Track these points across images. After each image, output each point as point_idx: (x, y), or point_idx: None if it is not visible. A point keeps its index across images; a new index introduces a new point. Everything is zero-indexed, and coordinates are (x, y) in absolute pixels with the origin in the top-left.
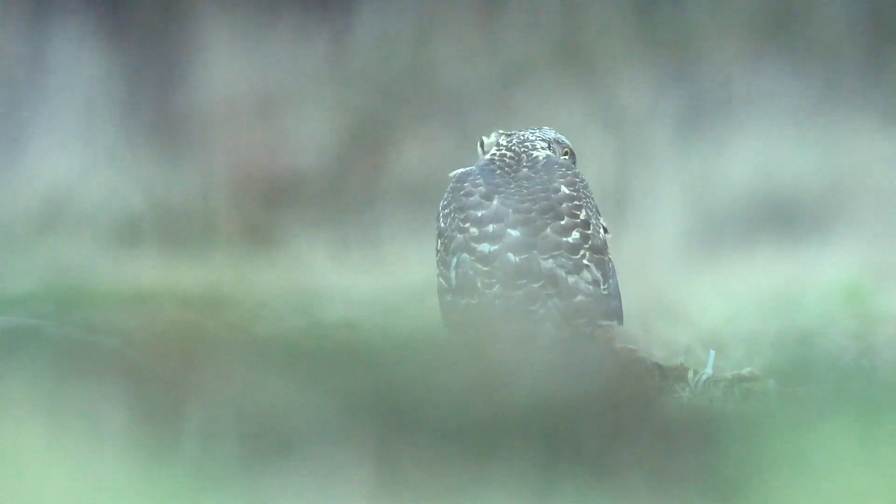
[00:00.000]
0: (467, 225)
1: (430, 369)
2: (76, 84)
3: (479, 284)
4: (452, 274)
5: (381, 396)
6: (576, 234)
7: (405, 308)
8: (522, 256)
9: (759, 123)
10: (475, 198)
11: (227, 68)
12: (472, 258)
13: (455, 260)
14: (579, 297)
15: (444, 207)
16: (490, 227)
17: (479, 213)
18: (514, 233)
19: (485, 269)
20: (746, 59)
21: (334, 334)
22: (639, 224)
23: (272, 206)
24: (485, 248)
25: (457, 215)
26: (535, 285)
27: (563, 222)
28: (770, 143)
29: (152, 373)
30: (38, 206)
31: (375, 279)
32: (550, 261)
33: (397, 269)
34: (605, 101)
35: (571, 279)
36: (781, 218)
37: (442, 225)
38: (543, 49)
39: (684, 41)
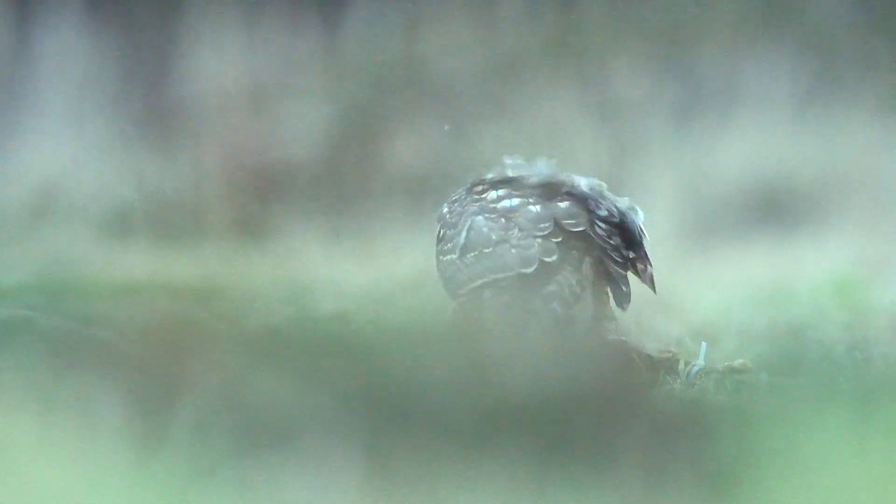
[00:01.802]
0: (485, 195)
1: (422, 361)
2: (67, 75)
3: (493, 237)
4: (462, 236)
5: (373, 388)
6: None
7: (397, 300)
8: (544, 204)
9: (754, 115)
10: (492, 178)
11: (219, 59)
12: (488, 215)
13: (469, 222)
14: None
15: (452, 195)
16: (508, 190)
17: (498, 183)
18: (536, 188)
19: (501, 220)
20: (741, 51)
21: (326, 326)
22: None
23: (264, 197)
24: (505, 203)
25: (472, 194)
26: (555, 240)
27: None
28: (764, 134)
29: (144, 364)
30: (29, 198)
31: (367, 271)
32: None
33: (389, 261)
34: (599, 93)
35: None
36: (775, 210)
37: (446, 211)
38: (537, 41)
39: (678, 32)
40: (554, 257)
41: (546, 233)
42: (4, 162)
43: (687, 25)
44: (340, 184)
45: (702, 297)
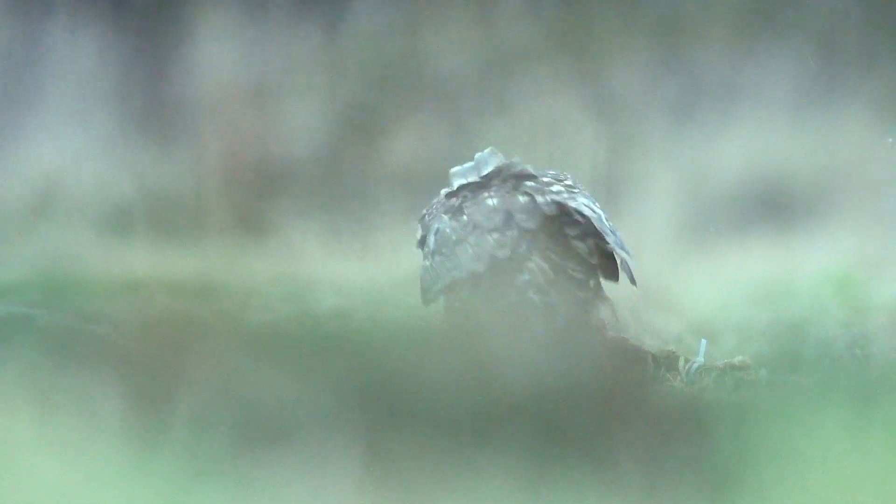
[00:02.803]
0: (453, 198)
1: (421, 358)
2: (68, 72)
3: (454, 237)
4: (432, 239)
5: (373, 385)
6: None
7: (396, 297)
8: (503, 198)
9: (752, 113)
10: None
11: (220, 57)
12: (450, 216)
13: (436, 225)
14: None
15: (434, 199)
16: (473, 190)
17: (465, 181)
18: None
19: (463, 218)
20: (740, 49)
21: (325, 323)
22: (631, 213)
23: (264, 194)
24: (467, 202)
25: (440, 198)
26: (509, 233)
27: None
28: (763, 132)
29: (143, 361)
30: (29, 195)
31: (367, 268)
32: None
33: (389, 258)
34: (598, 90)
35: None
36: (774, 207)
37: (425, 212)
38: (536, 38)
39: (677, 30)
40: (506, 251)
41: (499, 226)
42: (4, 159)
43: (686, 23)
44: (340, 181)
45: (701, 295)
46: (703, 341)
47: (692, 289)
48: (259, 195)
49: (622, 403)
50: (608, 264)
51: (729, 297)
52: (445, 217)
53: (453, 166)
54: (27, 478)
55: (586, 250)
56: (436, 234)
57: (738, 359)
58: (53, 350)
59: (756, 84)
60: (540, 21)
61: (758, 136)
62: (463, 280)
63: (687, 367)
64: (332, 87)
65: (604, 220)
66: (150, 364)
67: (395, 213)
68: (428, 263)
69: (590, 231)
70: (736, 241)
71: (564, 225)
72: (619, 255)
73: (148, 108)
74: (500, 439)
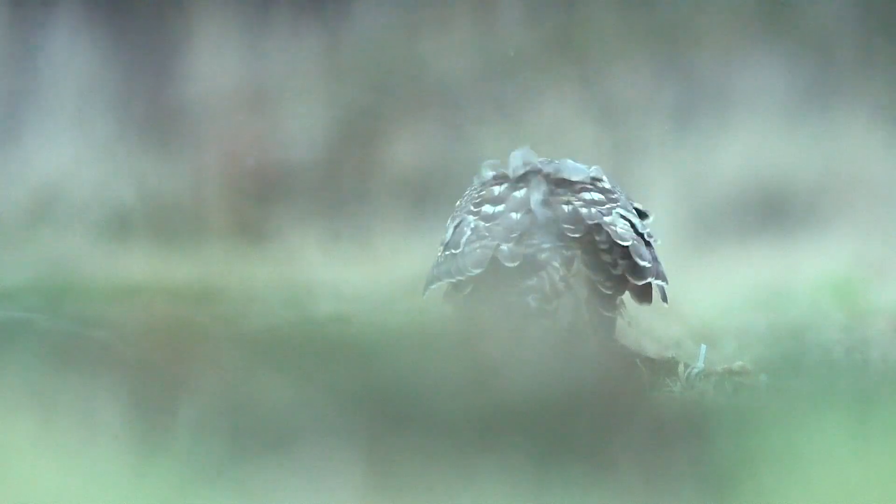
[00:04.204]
0: (484, 192)
1: (422, 363)
2: (68, 77)
3: (470, 235)
4: (449, 232)
5: (373, 391)
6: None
7: (397, 302)
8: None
9: (752, 117)
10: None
11: (220, 62)
12: (475, 217)
13: (459, 219)
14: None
15: (471, 185)
16: (501, 190)
17: (496, 191)
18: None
19: (481, 223)
20: (739, 53)
21: (326, 328)
22: None
23: (263, 199)
24: (489, 209)
25: (483, 187)
26: (530, 242)
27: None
28: (762, 136)
29: (143, 366)
30: (29, 200)
31: (367, 273)
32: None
33: (389, 264)
34: (598, 94)
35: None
36: (773, 212)
37: (458, 203)
38: (536, 43)
39: (677, 34)
40: (517, 260)
41: (517, 235)
42: (5, 164)
43: (686, 28)
44: (340, 186)
45: (701, 300)
46: (703, 346)
47: (692, 294)
48: (259, 200)
49: (621, 409)
50: (639, 286)
51: (728, 302)
52: (469, 217)
53: (453, 171)
54: (27, 483)
55: (612, 262)
56: (455, 227)
57: (737, 364)
58: (53, 355)
59: (755, 89)
60: (540, 27)
61: (757, 140)
62: (463, 282)
63: (686, 373)
64: (331, 93)
65: (639, 227)
66: (150, 369)
67: (394, 218)
68: (439, 254)
69: (622, 253)
70: (735, 245)
71: (595, 234)
72: (655, 284)
73: (148, 114)
74: (501, 444)
